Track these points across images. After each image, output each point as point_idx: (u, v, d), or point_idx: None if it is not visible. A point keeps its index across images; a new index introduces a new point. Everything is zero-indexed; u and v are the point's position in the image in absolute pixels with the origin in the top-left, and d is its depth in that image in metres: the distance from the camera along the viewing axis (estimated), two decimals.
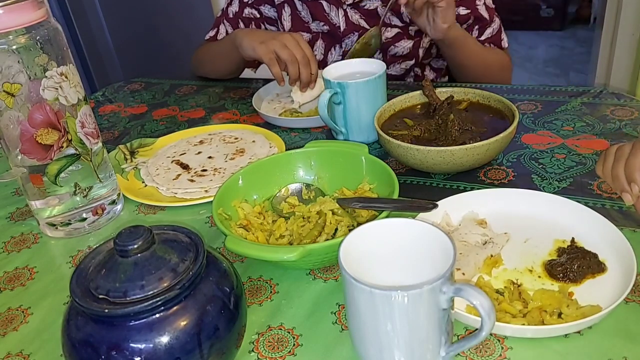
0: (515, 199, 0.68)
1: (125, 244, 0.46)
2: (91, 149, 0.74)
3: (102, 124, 1.13)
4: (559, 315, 0.53)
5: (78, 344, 0.46)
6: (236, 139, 0.95)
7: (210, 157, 0.90)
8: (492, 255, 0.61)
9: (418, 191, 0.78)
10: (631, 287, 0.52)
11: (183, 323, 0.46)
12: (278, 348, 0.55)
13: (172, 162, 0.90)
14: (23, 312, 0.64)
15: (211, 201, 0.70)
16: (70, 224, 0.76)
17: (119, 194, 0.81)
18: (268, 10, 1.24)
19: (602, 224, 0.62)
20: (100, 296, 0.45)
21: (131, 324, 0.45)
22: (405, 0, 0.96)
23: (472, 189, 0.75)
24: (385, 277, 0.50)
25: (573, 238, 0.62)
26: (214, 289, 0.49)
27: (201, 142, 0.96)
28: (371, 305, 0.44)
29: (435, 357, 0.47)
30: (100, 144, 0.76)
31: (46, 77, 0.67)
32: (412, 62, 1.20)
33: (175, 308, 0.46)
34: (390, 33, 1.16)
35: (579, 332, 0.52)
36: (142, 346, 0.44)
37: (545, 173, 0.77)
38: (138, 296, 0.45)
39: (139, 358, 0.44)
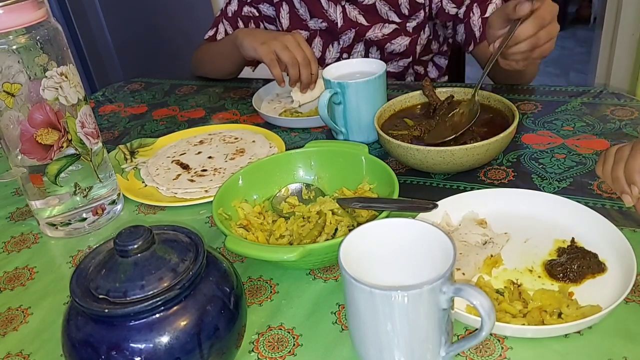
0: (515, 199, 0.68)
1: (125, 244, 0.46)
2: (91, 149, 0.74)
3: (102, 124, 1.13)
4: (559, 315, 0.53)
5: (78, 344, 0.46)
6: (236, 139, 0.95)
7: (210, 157, 0.90)
8: (492, 255, 0.61)
9: (418, 191, 0.78)
10: (631, 287, 0.52)
11: (183, 323, 0.46)
12: (278, 348, 0.55)
13: (172, 162, 0.90)
14: (23, 312, 0.64)
15: (211, 201, 0.70)
16: (70, 224, 0.76)
17: (119, 194, 0.81)
18: (267, 9, 1.24)
19: (602, 224, 0.62)
20: (100, 296, 0.45)
21: (131, 324, 0.45)
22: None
23: (472, 189, 0.75)
24: (385, 277, 0.50)
25: (573, 238, 0.62)
26: (214, 289, 0.49)
27: (201, 142, 0.96)
28: (371, 305, 0.44)
29: (435, 357, 0.47)
30: (100, 144, 0.76)
31: (46, 77, 0.67)
32: (410, 59, 1.20)
33: (175, 308, 0.46)
34: (387, 29, 1.16)
35: (579, 332, 0.52)
36: (142, 346, 0.44)
37: (545, 173, 0.77)
38: (138, 296, 0.45)
39: (139, 358, 0.44)
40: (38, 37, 0.66)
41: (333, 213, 0.69)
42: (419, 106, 0.91)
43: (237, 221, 0.70)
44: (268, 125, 1.02)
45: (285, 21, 1.22)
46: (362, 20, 1.16)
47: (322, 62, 1.23)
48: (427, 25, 1.17)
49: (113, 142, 1.04)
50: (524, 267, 0.60)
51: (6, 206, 0.86)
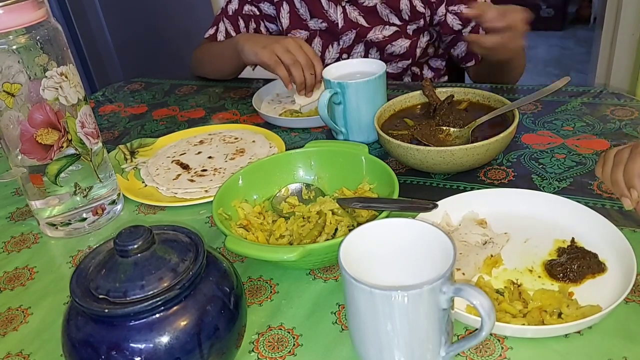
0: (515, 199, 0.68)
1: (125, 244, 0.46)
2: (91, 149, 0.74)
3: (102, 124, 1.13)
4: (559, 315, 0.53)
5: (78, 344, 0.46)
6: (236, 139, 0.95)
7: (210, 157, 0.90)
8: (492, 255, 0.61)
9: (418, 191, 0.78)
10: (631, 287, 0.52)
11: (183, 323, 0.46)
12: (278, 348, 0.55)
13: (172, 162, 0.90)
14: (23, 312, 0.64)
15: (211, 201, 0.70)
16: (70, 224, 0.76)
17: (119, 194, 0.81)
18: (267, 8, 1.24)
19: (602, 224, 0.62)
20: (100, 296, 0.45)
21: (131, 324, 0.45)
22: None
23: (472, 189, 0.75)
24: (385, 277, 0.50)
25: (573, 238, 0.62)
26: (214, 289, 0.49)
27: (201, 142, 0.96)
28: (371, 305, 0.44)
29: (435, 357, 0.47)
30: (100, 144, 0.76)
31: (46, 77, 0.67)
32: (409, 61, 1.20)
33: (175, 308, 0.46)
34: (387, 31, 1.16)
35: (579, 332, 0.52)
36: (142, 346, 0.44)
37: (545, 173, 0.77)
38: (138, 296, 0.45)
39: (139, 358, 0.44)
40: (38, 37, 0.66)
41: (333, 213, 0.69)
42: (419, 106, 0.91)
43: (237, 221, 0.70)
44: (268, 125, 1.02)
45: (285, 20, 1.22)
46: (362, 21, 1.16)
47: (322, 63, 1.23)
48: (427, 31, 1.17)
49: (113, 142, 1.04)
50: (524, 267, 0.60)
51: (6, 206, 0.86)
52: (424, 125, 0.84)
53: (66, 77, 0.69)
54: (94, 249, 0.51)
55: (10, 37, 0.64)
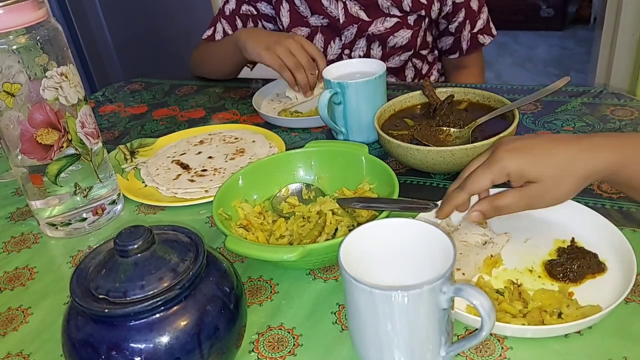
0: None
1: (125, 244, 0.46)
2: (91, 149, 0.74)
3: (102, 124, 1.13)
4: (559, 315, 0.53)
5: (78, 344, 0.46)
6: (236, 139, 0.95)
7: (210, 157, 0.90)
8: (492, 255, 0.61)
9: (418, 191, 0.78)
10: (631, 287, 0.52)
11: (183, 323, 0.46)
12: (278, 348, 0.55)
13: (172, 162, 0.90)
14: (23, 312, 0.64)
15: (211, 201, 0.70)
16: (70, 224, 0.76)
17: (119, 194, 0.81)
18: (265, 7, 1.24)
19: (602, 224, 0.62)
20: (100, 296, 0.45)
21: (131, 324, 0.45)
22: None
23: None
24: (385, 277, 0.50)
25: (573, 238, 0.62)
26: (214, 289, 0.49)
27: (201, 142, 0.96)
28: (371, 305, 0.44)
29: (435, 357, 0.47)
30: (100, 144, 0.76)
31: (46, 77, 0.67)
32: (411, 52, 1.21)
33: (175, 308, 0.46)
34: (388, 23, 1.16)
35: (579, 332, 0.52)
36: (142, 346, 0.44)
37: None
38: (138, 296, 0.45)
39: (139, 358, 0.44)
40: (38, 37, 0.66)
41: (333, 213, 0.69)
42: (419, 106, 0.91)
43: (237, 221, 0.70)
44: (268, 125, 1.02)
45: (285, 19, 1.22)
46: (363, 15, 1.16)
47: (324, 59, 1.23)
48: (427, 18, 1.19)
49: (113, 142, 1.04)
50: (524, 267, 0.60)
51: (6, 206, 0.86)
52: (424, 125, 0.84)
53: (66, 77, 0.69)
54: (94, 249, 0.51)
55: (10, 37, 0.64)
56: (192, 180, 0.84)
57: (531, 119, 0.92)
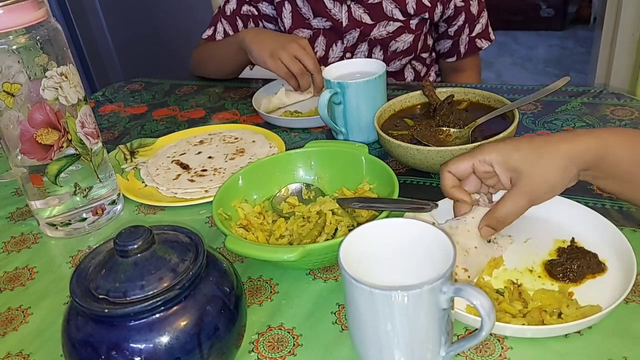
0: None
1: (125, 244, 0.46)
2: (91, 149, 0.74)
3: (102, 124, 1.13)
4: (559, 315, 0.53)
5: (78, 344, 0.46)
6: (236, 139, 0.95)
7: (210, 157, 0.90)
8: (494, 258, 0.61)
9: (418, 191, 0.78)
10: (631, 287, 0.52)
11: (183, 323, 0.46)
12: (278, 348, 0.55)
13: (172, 162, 0.90)
14: (23, 312, 0.64)
15: (211, 201, 0.70)
16: (70, 224, 0.76)
17: (119, 194, 0.81)
18: (266, 8, 1.24)
19: (602, 224, 0.62)
20: (100, 296, 0.45)
21: (131, 324, 0.45)
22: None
23: None
24: (385, 277, 0.50)
25: (573, 238, 0.62)
26: (214, 289, 0.49)
27: (201, 142, 0.96)
28: (371, 305, 0.44)
29: (435, 357, 0.47)
30: (100, 144, 0.76)
31: (46, 77, 0.67)
32: (411, 56, 1.21)
33: (175, 308, 0.46)
34: (391, 27, 1.16)
35: (579, 332, 0.52)
36: (142, 346, 0.44)
37: None
38: (138, 296, 0.45)
39: (139, 358, 0.44)
40: (38, 37, 0.66)
41: (333, 213, 0.69)
42: (419, 106, 0.91)
43: (237, 221, 0.70)
44: (268, 125, 1.02)
45: (287, 20, 1.22)
46: (366, 19, 1.16)
47: (325, 62, 1.23)
48: (428, 21, 1.19)
49: (113, 142, 1.04)
50: (524, 267, 0.60)
51: (6, 206, 0.86)
52: (424, 125, 0.84)
53: (66, 77, 0.69)
54: (94, 249, 0.51)
55: (10, 37, 0.64)
56: (192, 180, 0.84)
57: (531, 119, 0.92)
